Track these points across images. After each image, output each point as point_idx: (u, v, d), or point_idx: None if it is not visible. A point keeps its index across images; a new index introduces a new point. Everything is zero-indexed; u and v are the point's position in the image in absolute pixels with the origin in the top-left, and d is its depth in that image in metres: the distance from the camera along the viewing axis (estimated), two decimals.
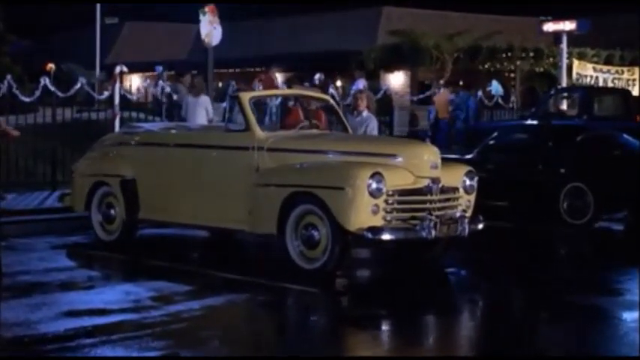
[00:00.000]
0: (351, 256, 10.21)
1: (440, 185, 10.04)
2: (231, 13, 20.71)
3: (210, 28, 18.67)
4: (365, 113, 13.04)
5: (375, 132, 13.25)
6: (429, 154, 10.11)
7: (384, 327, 8.43)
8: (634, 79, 30.74)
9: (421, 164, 10.00)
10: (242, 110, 10.78)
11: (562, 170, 14.38)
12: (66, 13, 51.48)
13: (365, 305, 8.96)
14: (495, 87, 31.14)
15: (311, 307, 9.05)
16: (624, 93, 22.86)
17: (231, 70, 35.56)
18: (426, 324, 8.60)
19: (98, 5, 33.54)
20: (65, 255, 11.51)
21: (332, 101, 12.21)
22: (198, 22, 19.32)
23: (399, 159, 10.03)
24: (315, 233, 9.83)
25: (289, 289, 9.46)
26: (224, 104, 18.93)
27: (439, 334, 8.26)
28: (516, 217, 14.47)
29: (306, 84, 19.67)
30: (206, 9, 18.54)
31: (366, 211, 9.55)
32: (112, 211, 11.82)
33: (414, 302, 9.12)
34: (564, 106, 20.40)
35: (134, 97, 21.16)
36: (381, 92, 22.70)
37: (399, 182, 9.81)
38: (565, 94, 21.36)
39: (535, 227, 14.38)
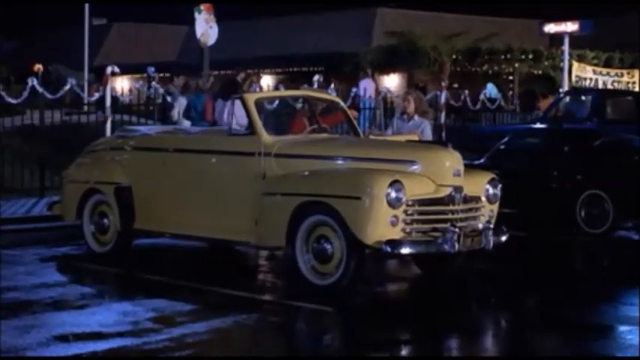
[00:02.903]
0: (367, 271, 9.43)
1: (463, 194, 9.28)
2: (222, 13, 20.04)
3: (206, 27, 17.93)
4: (417, 117, 11.92)
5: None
6: (451, 161, 9.34)
7: (407, 352, 7.71)
8: (634, 82, 30.22)
9: (443, 171, 9.24)
10: (247, 113, 10.00)
11: (579, 177, 13.75)
12: (53, 13, 50.66)
13: (385, 327, 8.19)
14: (490, 89, 30.61)
15: (326, 328, 8.28)
16: (636, 95, 22.24)
17: (222, 72, 34.74)
18: (450, 348, 7.86)
19: (86, 6, 32.72)
20: (55, 268, 10.73)
21: (342, 103, 11.45)
22: (187, 23, 18.61)
23: (419, 166, 9.26)
24: (328, 246, 9.05)
25: (301, 308, 8.70)
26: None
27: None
28: (531, 226, 13.77)
29: (305, 86, 18.98)
30: (202, 7, 17.78)
31: (384, 223, 8.79)
32: (106, 221, 11.03)
33: (436, 323, 8.38)
34: (574, 109, 19.68)
35: (127, 99, 20.38)
36: (381, 95, 21.94)
37: (420, 191, 9.05)
38: (575, 97, 20.68)
39: (552, 237, 13.71)
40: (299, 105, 11.12)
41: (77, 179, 11.43)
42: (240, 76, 20.07)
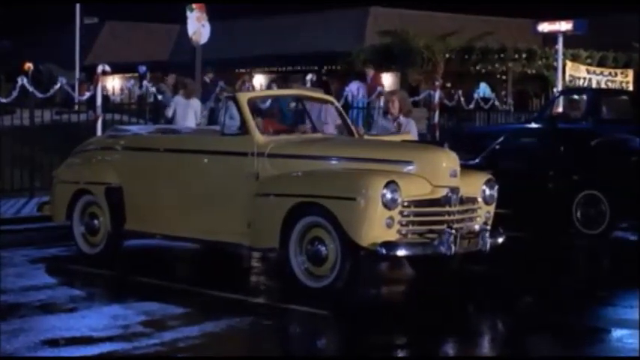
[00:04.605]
0: (361, 273, 9.27)
1: (459, 195, 9.13)
2: (216, 12, 19.92)
3: (198, 26, 17.76)
4: (402, 117, 11.77)
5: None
6: (447, 161, 9.20)
7: (403, 355, 7.58)
8: (627, 82, 30.10)
9: (439, 172, 9.09)
10: (240, 112, 9.84)
11: (575, 177, 13.61)
12: (44, 12, 50.41)
13: (381, 330, 8.04)
14: (483, 89, 30.49)
15: (321, 332, 8.12)
16: (632, 95, 22.10)
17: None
18: (447, 352, 7.72)
19: (78, 5, 32.52)
20: (44, 270, 10.53)
21: (336, 102, 11.28)
22: (180, 22, 18.45)
23: (415, 166, 9.11)
24: (323, 248, 8.89)
25: (296, 312, 8.53)
26: (207, 104, 18.12)
27: None
28: (527, 227, 13.63)
29: (297, 84, 18.86)
30: (194, 6, 17.60)
31: (379, 224, 8.63)
32: (96, 222, 10.85)
33: (433, 326, 8.23)
34: (569, 108, 19.52)
35: (118, 99, 20.20)
36: (375, 93, 21.77)
37: (416, 192, 8.90)
38: (571, 96, 20.53)
39: (549, 238, 13.57)
40: (292, 104, 10.96)
41: (67, 179, 11.25)
42: (209, 77, 19.96)
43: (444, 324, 8.31)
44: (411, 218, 8.87)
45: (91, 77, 19.88)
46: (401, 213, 8.76)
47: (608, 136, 14.56)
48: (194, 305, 8.68)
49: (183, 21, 18.96)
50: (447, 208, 9.04)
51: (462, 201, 9.21)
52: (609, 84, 29.05)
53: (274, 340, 7.85)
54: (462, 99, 23.95)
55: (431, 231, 8.95)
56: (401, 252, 8.79)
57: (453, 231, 8.87)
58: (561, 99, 20.61)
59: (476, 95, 25.50)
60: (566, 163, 13.84)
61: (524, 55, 33.86)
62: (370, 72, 20.40)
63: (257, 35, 41.54)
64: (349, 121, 11.08)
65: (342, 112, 11.09)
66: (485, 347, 7.93)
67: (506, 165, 13.97)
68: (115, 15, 50.77)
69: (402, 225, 8.79)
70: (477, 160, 14.10)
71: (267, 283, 10.20)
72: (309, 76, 19.54)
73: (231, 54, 38.15)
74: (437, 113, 21.63)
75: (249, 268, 10.91)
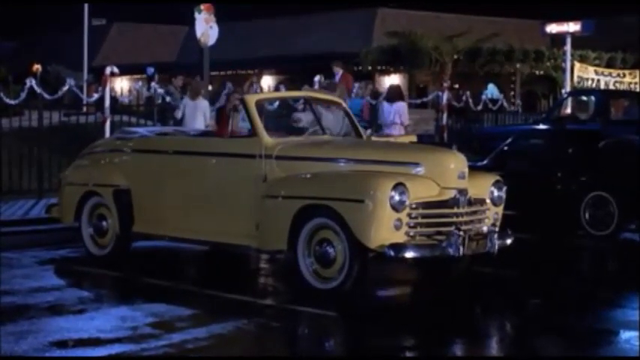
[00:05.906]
0: (369, 275, 9.26)
1: (467, 197, 9.12)
2: (222, 13, 19.93)
3: (206, 27, 17.77)
4: None
5: None
6: (455, 163, 9.19)
7: (412, 357, 7.58)
8: (635, 83, 30.04)
9: (447, 174, 9.09)
10: (247, 114, 9.85)
11: (583, 178, 13.60)
12: (53, 13, 50.51)
13: (389, 332, 8.04)
14: (491, 90, 30.49)
15: (330, 333, 8.11)
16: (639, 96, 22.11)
17: (222, 73, 34.62)
18: (455, 354, 7.70)
19: (86, 6, 32.61)
20: (53, 272, 10.56)
21: (344, 104, 11.27)
22: (187, 23, 18.45)
23: (423, 168, 9.11)
24: (331, 250, 8.90)
25: (304, 313, 8.53)
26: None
27: None
28: (535, 228, 13.61)
29: (306, 86, 18.83)
30: (202, 7, 17.62)
31: (387, 226, 8.64)
32: (104, 224, 10.86)
33: (442, 328, 8.22)
34: (577, 109, 19.55)
35: (126, 100, 20.21)
36: (382, 95, 21.74)
37: (423, 194, 8.90)
38: (579, 98, 20.54)
39: (557, 239, 13.55)
40: (300, 106, 10.96)
41: (75, 181, 11.26)
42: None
43: (452, 325, 8.30)
44: (419, 220, 8.87)
45: (99, 78, 19.92)
46: (409, 215, 8.76)
47: (617, 137, 14.55)
48: (202, 307, 8.69)
49: (191, 22, 18.98)
50: (455, 210, 9.04)
51: (470, 202, 9.20)
52: (617, 85, 29.05)
53: (282, 342, 7.85)
54: (470, 100, 23.96)
55: (439, 233, 8.96)
56: (409, 254, 8.79)
57: (461, 233, 8.87)
58: (569, 100, 20.59)
59: (484, 96, 25.53)
60: (574, 165, 13.84)
61: (532, 56, 33.85)
62: (339, 70, 19.56)
63: (263, 36, 41.57)
64: (357, 123, 11.05)
65: (350, 114, 11.06)
66: (493, 349, 7.92)
67: (515, 166, 13.98)
68: (123, 16, 50.89)
69: (410, 227, 8.80)
70: (485, 162, 14.12)
71: (275, 285, 10.21)
72: (316, 78, 19.51)
73: (238, 55, 38.18)
74: (445, 114, 21.64)
75: (257, 269, 10.92)
